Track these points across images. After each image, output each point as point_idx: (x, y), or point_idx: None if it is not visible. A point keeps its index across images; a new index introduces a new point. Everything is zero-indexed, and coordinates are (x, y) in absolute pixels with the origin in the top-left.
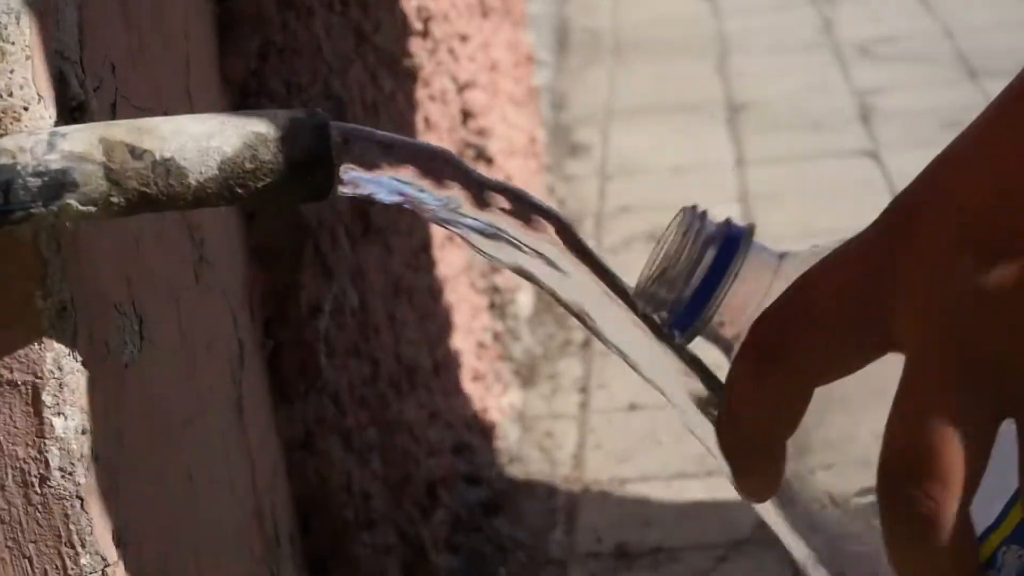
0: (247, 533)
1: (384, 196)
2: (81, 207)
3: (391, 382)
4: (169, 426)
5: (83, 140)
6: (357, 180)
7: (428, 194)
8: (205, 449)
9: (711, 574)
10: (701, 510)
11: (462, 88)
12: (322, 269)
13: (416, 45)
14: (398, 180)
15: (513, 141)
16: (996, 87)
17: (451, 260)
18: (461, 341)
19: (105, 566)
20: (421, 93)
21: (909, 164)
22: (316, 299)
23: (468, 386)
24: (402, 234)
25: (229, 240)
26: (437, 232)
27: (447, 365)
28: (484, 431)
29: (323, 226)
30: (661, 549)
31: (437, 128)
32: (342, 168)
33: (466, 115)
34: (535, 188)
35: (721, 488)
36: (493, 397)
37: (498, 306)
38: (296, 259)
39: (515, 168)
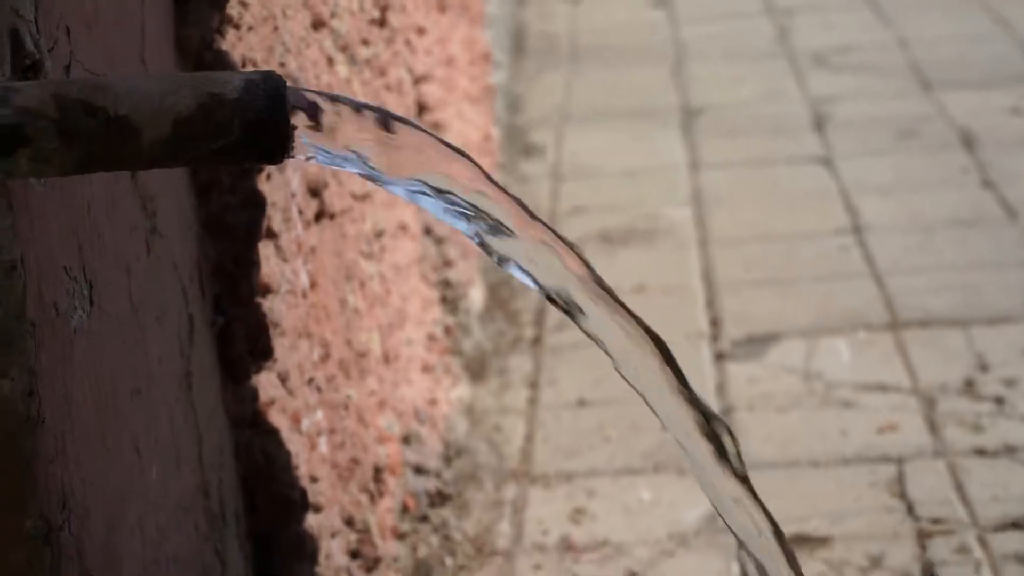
0: (193, 508)
1: (341, 164)
2: (32, 163)
3: (341, 366)
4: (117, 395)
5: (37, 96)
6: (313, 146)
7: (383, 170)
8: (152, 421)
9: (656, 568)
10: (647, 506)
11: (418, 80)
12: (275, 249)
13: (373, 33)
14: (355, 149)
15: (467, 137)
16: (949, 98)
17: (404, 250)
18: (412, 332)
19: (48, 531)
20: (377, 82)
21: (862, 171)
22: (268, 278)
23: (418, 377)
24: (356, 220)
25: (182, 213)
26: (391, 221)
27: (397, 355)
28: (432, 422)
29: (276, 206)
30: (607, 543)
31: None
32: (298, 133)
33: (421, 108)
34: None
35: (668, 484)
36: (442, 390)
37: (450, 300)
38: (249, 236)
39: None
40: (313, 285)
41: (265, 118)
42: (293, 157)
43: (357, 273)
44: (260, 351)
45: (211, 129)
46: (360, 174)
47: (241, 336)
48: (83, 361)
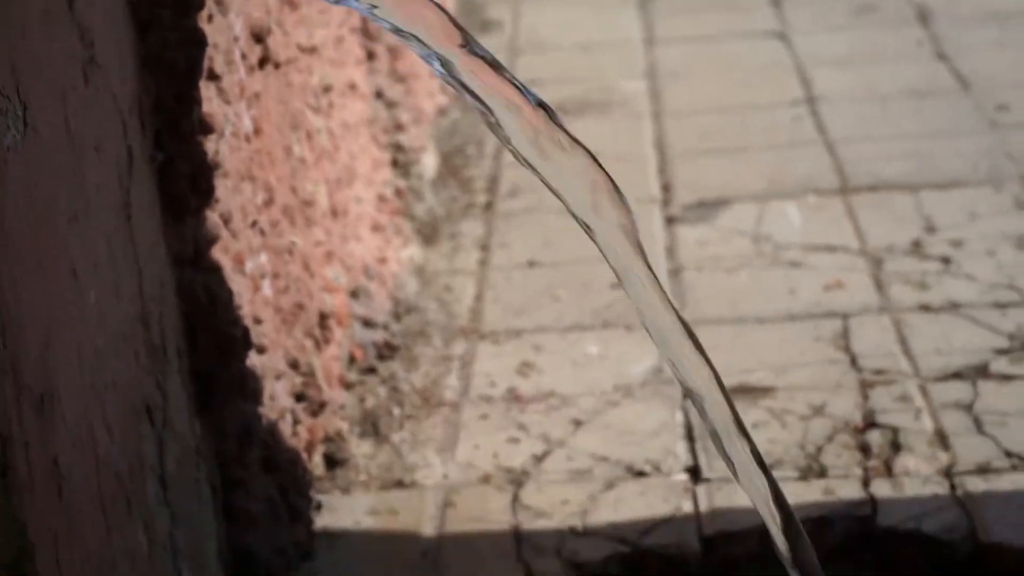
0: (132, 338)
1: None
2: None
3: (285, 212)
4: (54, 220)
5: None
6: None
7: None
8: (90, 248)
9: (601, 417)
10: (594, 360)
11: None
12: (217, 90)
13: None
14: None
15: None
16: None
17: (354, 109)
18: (361, 191)
19: None
20: None
21: (818, 45)
22: (210, 118)
23: (367, 235)
24: (302, 71)
25: (120, 47)
26: (339, 79)
27: (346, 210)
28: (382, 279)
29: (218, 48)
30: (553, 394)
31: None
32: None
33: None
34: None
35: (615, 339)
36: (392, 249)
37: (401, 164)
38: (190, 74)
39: None
40: (257, 131)
41: None
42: None
43: (303, 124)
44: (201, 190)
45: None
46: None
47: (183, 173)
48: (17, 181)
